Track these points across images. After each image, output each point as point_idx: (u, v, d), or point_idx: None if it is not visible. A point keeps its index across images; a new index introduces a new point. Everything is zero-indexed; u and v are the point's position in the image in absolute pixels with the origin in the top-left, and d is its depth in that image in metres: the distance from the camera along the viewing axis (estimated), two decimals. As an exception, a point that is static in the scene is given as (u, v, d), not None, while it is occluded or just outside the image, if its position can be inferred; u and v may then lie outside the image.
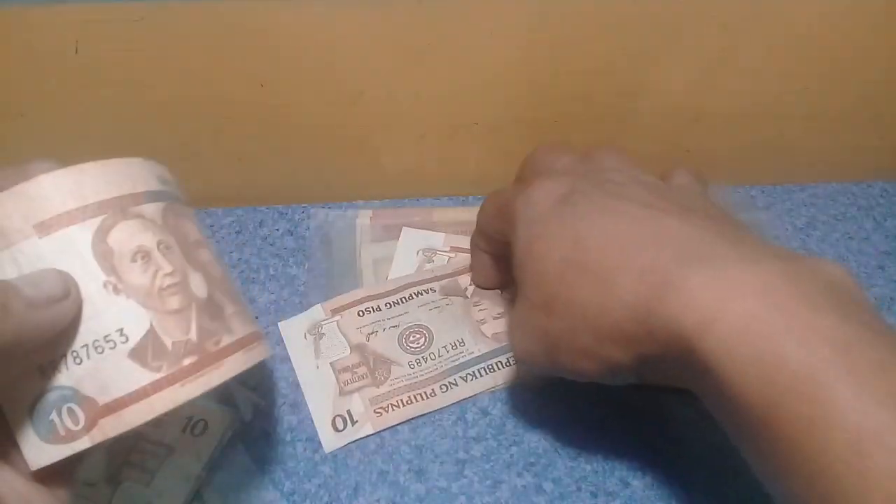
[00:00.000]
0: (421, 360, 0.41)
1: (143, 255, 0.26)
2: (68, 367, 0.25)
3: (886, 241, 0.48)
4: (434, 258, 0.45)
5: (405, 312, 0.43)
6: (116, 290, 0.25)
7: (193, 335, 0.26)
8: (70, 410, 0.25)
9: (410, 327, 0.42)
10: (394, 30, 0.42)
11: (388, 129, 0.48)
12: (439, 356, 0.41)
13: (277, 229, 0.48)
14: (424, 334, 0.42)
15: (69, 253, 0.25)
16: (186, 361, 0.26)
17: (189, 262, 0.27)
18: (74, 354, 0.25)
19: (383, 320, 0.42)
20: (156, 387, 0.25)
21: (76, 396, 0.25)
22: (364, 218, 0.48)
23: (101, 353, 0.25)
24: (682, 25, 0.43)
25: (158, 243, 0.26)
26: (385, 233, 0.47)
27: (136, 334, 0.25)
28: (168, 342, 0.25)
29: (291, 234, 0.48)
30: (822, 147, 0.51)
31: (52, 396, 0.25)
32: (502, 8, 0.42)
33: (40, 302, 0.23)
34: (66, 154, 0.48)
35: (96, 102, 0.45)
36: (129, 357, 0.25)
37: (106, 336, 0.25)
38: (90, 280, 0.25)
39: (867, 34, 0.44)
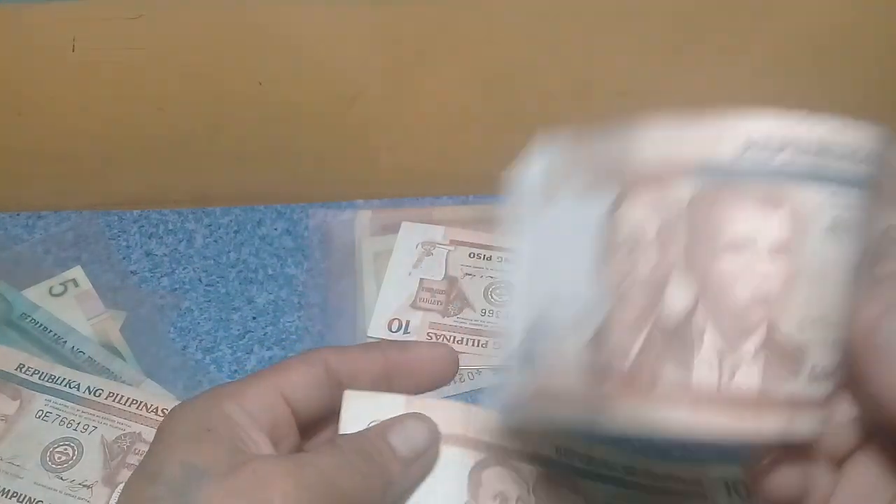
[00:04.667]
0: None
1: (502, 499, 0.31)
2: None
3: (887, 240, 0.48)
4: (434, 251, 0.45)
5: None
6: None
7: None
8: None
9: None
10: (393, 28, 0.42)
11: (388, 128, 0.48)
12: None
13: (276, 229, 0.48)
14: None
15: (451, 467, 0.31)
16: None
17: None
18: None
19: None
20: None
21: None
22: (363, 217, 0.48)
23: None
24: (683, 25, 0.43)
25: (518, 498, 0.31)
26: (384, 232, 0.47)
27: None
28: None
29: (290, 234, 0.48)
30: (824, 146, 0.51)
31: None
32: (502, 8, 0.41)
33: (410, 459, 0.26)
34: (65, 152, 0.48)
35: (94, 100, 0.44)
36: None
37: None
38: (456, 495, 0.31)
39: (869, 34, 0.44)
